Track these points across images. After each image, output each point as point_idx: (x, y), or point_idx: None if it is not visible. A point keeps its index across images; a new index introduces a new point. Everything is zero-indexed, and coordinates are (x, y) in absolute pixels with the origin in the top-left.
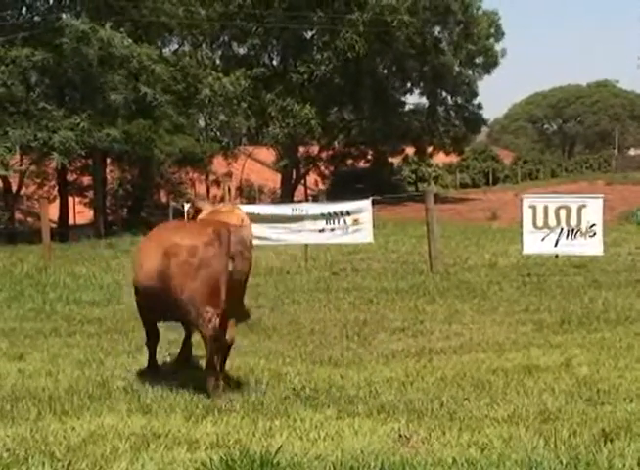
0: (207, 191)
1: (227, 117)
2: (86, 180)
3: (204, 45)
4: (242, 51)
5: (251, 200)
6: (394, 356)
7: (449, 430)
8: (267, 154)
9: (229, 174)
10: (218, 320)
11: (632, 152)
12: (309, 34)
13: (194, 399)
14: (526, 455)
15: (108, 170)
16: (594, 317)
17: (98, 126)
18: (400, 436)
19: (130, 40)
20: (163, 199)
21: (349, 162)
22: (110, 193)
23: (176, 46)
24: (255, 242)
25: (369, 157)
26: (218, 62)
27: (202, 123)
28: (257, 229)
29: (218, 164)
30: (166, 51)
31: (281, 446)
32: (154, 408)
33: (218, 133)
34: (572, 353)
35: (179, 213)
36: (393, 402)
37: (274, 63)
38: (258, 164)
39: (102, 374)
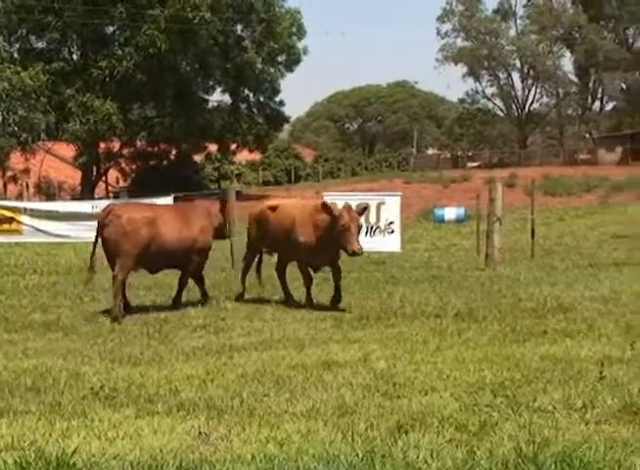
0: (4, 187)
1: (25, 112)
2: None
3: (0, 38)
4: (40, 45)
5: (50, 197)
6: (195, 354)
7: (249, 426)
8: (67, 150)
9: (27, 171)
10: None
11: (430, 151)
12: (110, 29)
13: None
14: (324, 449)
15: None
16: (391, 312)
17: None
18: (200, 433)
19: None
20: None
21: (152, 159)
22: None
23: None
24: (54, 240)
25: (172, 154)
26: (16, 55)
27: None
28: (57, 227)
29: (16, 160)
30: None
31: (78, 447)
32: None
33: (16, 128)
34: (370, 348)
35: None
36: (193, 400)
37: (74, 57)
38: (58, 161)
39: None
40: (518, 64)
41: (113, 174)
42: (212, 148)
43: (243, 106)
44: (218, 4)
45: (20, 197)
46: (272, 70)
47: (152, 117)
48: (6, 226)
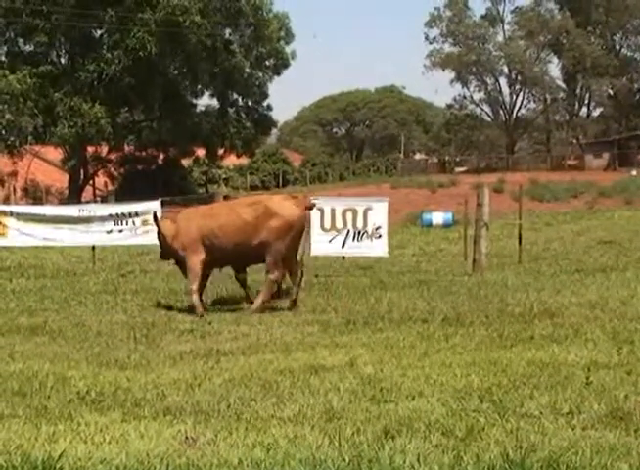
0: None
1: (13, 116)
2: None
3: None
4: (28, 48)
5: (37, 200)
6: (182, 358)
7: (236, 430)
8: (55, 153)
9: (14, 174)
10: None
11: (417, 156)
12: (98, 33)
13: None
14: (311, 454)
15: None
16: (379, 317)
17: None
18: (186, 438)
19: None
20: None
21: (140, 163)
22: None
23: None
24: (41, 243)
25: (160, 158)
26: (4, 58)
27: None
28: (43, 230)
29: (3, 164)
30: None
31: (64, 451)
32: None
33: (3, 131)
34: (357, 353)
35: None
36: (180, 404)
37: (62, 61)
38: (45, 164)
39: None
40: (505, 69)
41: (101, 178)
42: (200, 152)
43: (231, 110)
44: (207, 7)
45: (7, 200)
46: (260, 74)
47: (140, 120)
48: None
